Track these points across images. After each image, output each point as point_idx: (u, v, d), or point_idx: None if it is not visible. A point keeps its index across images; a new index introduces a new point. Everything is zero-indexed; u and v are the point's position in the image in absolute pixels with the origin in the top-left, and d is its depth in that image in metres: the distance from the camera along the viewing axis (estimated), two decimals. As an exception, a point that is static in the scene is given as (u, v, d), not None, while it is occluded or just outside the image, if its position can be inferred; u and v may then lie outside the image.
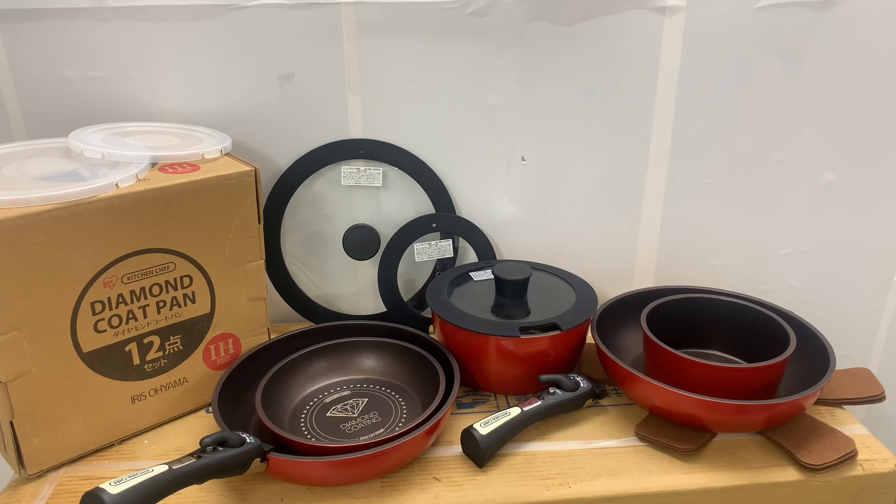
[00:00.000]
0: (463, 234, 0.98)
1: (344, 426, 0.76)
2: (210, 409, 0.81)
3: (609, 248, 1.01)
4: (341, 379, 0.84)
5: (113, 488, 0.55)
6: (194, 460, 0.61)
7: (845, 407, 0.81)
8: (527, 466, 0.72)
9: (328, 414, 0.78)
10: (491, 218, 0.99)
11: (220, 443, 0.63)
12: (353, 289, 1.01)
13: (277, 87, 0.88)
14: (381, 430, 0.75)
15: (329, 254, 0.98)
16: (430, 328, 0.93)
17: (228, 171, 0.74)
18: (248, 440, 0.65)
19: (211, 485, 0.69)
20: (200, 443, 0.63)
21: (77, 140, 0.76)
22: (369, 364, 0.85)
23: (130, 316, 0.72)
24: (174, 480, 0.59)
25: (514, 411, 0.74)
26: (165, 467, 0.59)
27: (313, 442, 0.73)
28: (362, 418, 0.77)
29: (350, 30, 0.86)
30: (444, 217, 0.97)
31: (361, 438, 0.73)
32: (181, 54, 0.86)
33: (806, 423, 0.76)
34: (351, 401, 0.80)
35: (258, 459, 0.65)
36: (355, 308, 1.02)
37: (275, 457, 0.66)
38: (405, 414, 0.78)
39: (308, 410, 0.79)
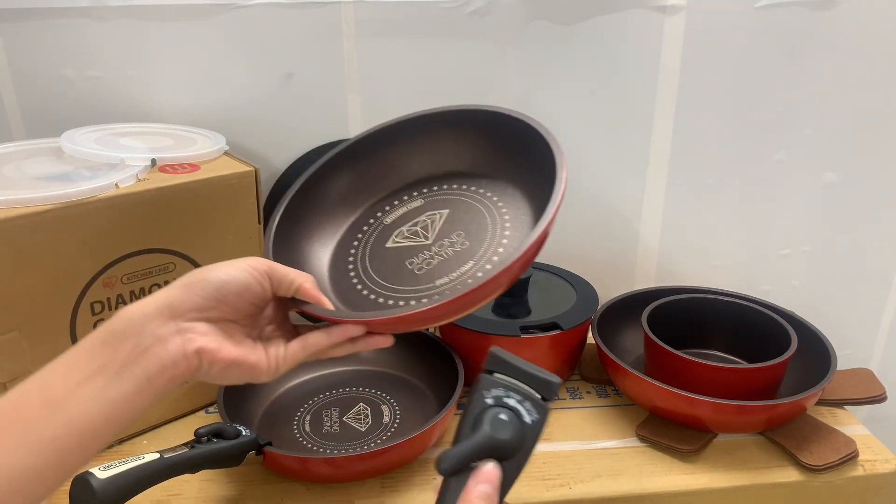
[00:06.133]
0: (463, 234, 0.98)
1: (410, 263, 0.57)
2: (210, 409, 0.81)
3: (610, 248, 1.01)
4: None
5: (101, 473, 0.55)
6: (187, 450, 0.61)
7: (846, 407, 0.81)
8: (527, 466, 0.72)
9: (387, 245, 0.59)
10: (491, 218, 0.99)
11: (216, 434, 0.64)
12: (353, 289, 1.01)
13: (277, 87, 0.88)
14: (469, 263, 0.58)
15: (329, 254, 0.98)
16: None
17: (228, 171, 0.74)
18: (245, 433, 0.65)
19: (210, 484, 0.69)
20: (195, 433, 0.63)
21: (73, 143, 0.76)
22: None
23: (130, 316, 0.72)
24: (165, 469, 0.59)
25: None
26: (157, 455, 0.59)
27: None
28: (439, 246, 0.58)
29: (350, 29, 0.86)
30: (444, 217, 0.97)
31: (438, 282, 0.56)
32: (181, 54, 0.86)
33: (807, 424, 0.76)
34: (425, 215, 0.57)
35: (253, 452, 0.65)
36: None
37: (270, 451, 0.66)
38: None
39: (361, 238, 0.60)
